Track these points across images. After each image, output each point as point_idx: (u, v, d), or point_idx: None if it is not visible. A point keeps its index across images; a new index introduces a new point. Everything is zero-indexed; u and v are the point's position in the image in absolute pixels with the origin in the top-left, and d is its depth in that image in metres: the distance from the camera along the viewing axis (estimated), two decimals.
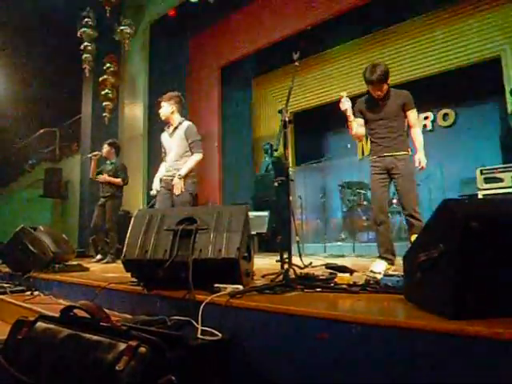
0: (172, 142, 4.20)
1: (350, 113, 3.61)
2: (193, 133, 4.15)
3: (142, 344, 1.21)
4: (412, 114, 3.58)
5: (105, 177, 5.94)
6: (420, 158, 3.51)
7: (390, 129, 3.58)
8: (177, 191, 3.99)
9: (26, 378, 1.27)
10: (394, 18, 7.59)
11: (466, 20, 7.03)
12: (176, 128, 4.19)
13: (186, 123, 4.20)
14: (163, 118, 4.24)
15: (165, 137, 4.30)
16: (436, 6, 7.21)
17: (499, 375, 1.14)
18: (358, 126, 3.69)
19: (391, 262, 3.47)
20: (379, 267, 3.29)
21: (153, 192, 4.28)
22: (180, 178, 3.99)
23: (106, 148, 6.13)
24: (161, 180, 4.21)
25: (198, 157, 4.10)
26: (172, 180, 4.06)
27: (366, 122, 3.70)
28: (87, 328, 1.36)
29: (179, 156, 4.13)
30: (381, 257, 3.55)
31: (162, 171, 4.27)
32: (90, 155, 6.16)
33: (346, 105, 3.59)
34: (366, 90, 3.74)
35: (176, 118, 4.22)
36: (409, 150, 3.58)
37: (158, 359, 1.20)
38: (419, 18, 7.52)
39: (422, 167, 3.51)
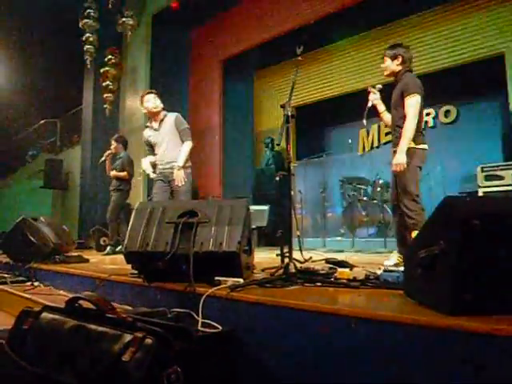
0: (161, 134, 4.18)
1: (370, 104, 3.48)
2: (182, 121, 4.20)
3: (148, 335, 1.22)
4: (406, 102, 3.18)
5: (113, 173, 6.11)
6: (396, 157, 3.15)
7: (392, 119, 3.39)
8: (179, 182, 4.00)
9: (32, 367, 1.28)
10: (398, 14, 7.55)
11: (469, 17, 7.00)
12: (162, 121, 4.20)
13: (173, 114, 4.24)
14: (153, 111, 4.20)
15: (150, 132, 4.26)
16: (440, 2, 7.17)
17: (497, 371, 1.15)
18: (389, 116, 3.51)
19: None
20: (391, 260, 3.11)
21: (152, 175, 4.20)
22: (179, 169, 4.00)
23: (113, 144, 6.29)
24: (160, 173, 4.18)
25: (189, 145, 4.13)
26: (171, 173, 4.07)
27: None
28: (93, 319, 1.37)
29: (173, 147, 4.13)
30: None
31: (147, 162, 4.20)
32: (103, 158, 6.29)
33: (371, 97, 3.49)
34: (369, 84, 3.69)
35: (162, 111, 4.23)
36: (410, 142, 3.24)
37: (163, 351, 1.22)
38: (422, 14, 7.49)
39: (394, 170, 3.19)
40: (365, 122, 3.42)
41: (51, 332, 1.40)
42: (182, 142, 4.14)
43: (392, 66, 3.36)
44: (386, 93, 3.53)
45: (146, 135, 4.30)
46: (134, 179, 6.41)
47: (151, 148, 4.28)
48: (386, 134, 7.98)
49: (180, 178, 4.00)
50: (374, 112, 3.61)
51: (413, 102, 3.16)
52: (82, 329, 1.35)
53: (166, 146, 4.16)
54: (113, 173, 6.10)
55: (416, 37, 7.60)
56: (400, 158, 3.12)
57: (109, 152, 6.27)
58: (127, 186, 6.23)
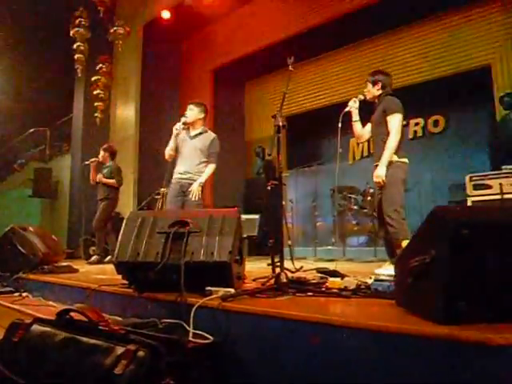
0: (192, 145, 4.33)
1: (347, 109, 3.73)
2: (216, 145, 4.40)
3: (140, 348, 1.21)
4: (389, 120, 3.49)
5: (100, 177, 6.07)
6: (377, 171, 3.43)
7: (374, 136, 3.69)
8: (194, 197, 4.18)
9: (22, 381, 1.26)
10: (387, 25, 7.65)
11: (457, 28, 7.12)
12: (199, 134, 4.36)
13: (212, 134, 4.44)
14: (189, 121, 4.34)
15: (183, 137, 4.37)
16: (428, 13, 7.28)
17: (489, 380, 1.16)
18: (359, 126, 3.80)
19: None
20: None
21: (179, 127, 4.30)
22: (200, 185, 4.21)
23: (101, 153, 6.30)
24: (177, 182, 4.31)
25: (213, 167, 4.37)
26: (188, 184, 4.24)
27: None
28: (84, 331, 1.36)
29: (198, 162, 4.31)
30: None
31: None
32: (87, 162, 6.30)
33: (350, 103, 3.73)
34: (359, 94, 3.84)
35: (200, 124, 4.41)
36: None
37: (156, 363, 1.20)
38: (412, 26, 7.60)
39: (376, 183, 3.44)
40: (340, 125, 3.67)
41: (42, 345, 1.38)
42: (209, 162, 4.34)
43: (373, 90, 3.70)
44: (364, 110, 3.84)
45: (180, 135, 4.36)
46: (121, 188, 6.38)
47: (176, 148, 4.38)
48: None
49: (196, 193, 4.18)
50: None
51: (395, 120, 3.47)
52: (73, 341, 1.34)
53: (191, 158, 4.31)
54: (99, 176, 6.06)
55: (405, 47, 7.71)
56: (380, 171, 3.39)
57: (95, 159, 6.25)
58: (116, 194, 6.21)
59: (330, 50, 8.62)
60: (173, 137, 4.30)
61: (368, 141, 4.03)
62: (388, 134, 3.46)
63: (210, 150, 4.33)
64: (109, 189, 6.09)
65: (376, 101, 3.72)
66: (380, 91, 3.68)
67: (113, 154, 6.40)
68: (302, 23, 7.64)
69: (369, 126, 3.81)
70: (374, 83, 3.68)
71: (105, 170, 6.18)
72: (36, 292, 3.64)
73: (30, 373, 1.31)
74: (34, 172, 10.86)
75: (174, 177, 4.36)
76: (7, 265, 4.26)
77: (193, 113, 4.37)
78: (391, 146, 3.41)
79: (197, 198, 4.17)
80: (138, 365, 1.19)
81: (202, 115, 4.40)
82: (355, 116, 3.78)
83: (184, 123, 4.29)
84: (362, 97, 3.77)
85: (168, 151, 4.34)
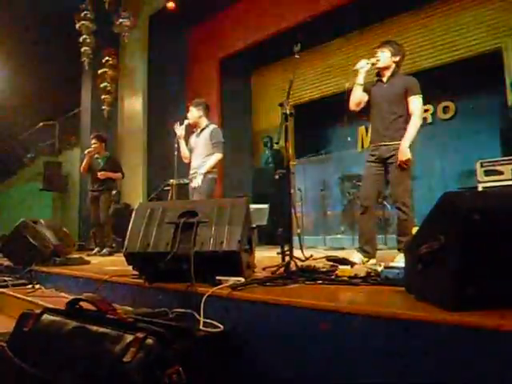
0: (198, 142, 4.56)
1: (356, 67, 3.44)
2: (217, 135, 4.54)
3: (149, 336, 1.22)
4: (413, 101, 3.29)
5: (104, 173, 5.90)
6: (401, 149, 3.21)
7: (389, 114, 3.38)
8: (194, 184, 4.39)
9: (33, 370, 1.28)
10: (395, 10, 7.53)
11: (467, 12, 6.99)
12: (203, 130, 4.57)
13: (213, 126, 4.61)
14: (191, 122, 4.58)
15: (193, 138, 4.68)
16: None
17: (500, 365, 1.15)
18: (360, 92, 3.48)
19: (368, 256, 3.42)
20: (356, 259, 3.31)
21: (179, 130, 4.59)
22: (200, 175, 4.37)
23: (96, 143, 6.03)
24: (190, 179, 4.61)
25: (218, 156, 4.50)
26: (195, 178, 4.45)
27: (369, 104, 3.53)
28: (94, 320, 1.37)
29: (203, 156, 4.49)
30: (359, 248, 3.49)
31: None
32: (86, 152, 6.09)
33: (361, 65, 3.42)
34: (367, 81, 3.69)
35: (203, 121, 4.60)
36: None
37: (165, 351, 1.21)
38: (420, 10, 7.48)
39: (401, 161, 3.21)
40: (347, 84, 3.56)
41: (52, 334, 1.40)
42: (213, 152, 4.48)
43: (389, 60, 3.42)
44: None
45: (190, 140, 4.70)
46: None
47: (190, 151, 4.66)
48: None
49: (197, 181, 4.36)
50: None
51: (420, 102, 3.31)
52: (82, 330, 1.35)
53: (196, 153, 4.55)
54: (103, 173, 5.88)
55: (413, 33, 7.59)
56: (408, 153, 3.21)
57: (91, 150, 6.00)
58: (116, 185, 6.19)
59: (337, 37, 8.53)
60: (177, 139, 4.59)
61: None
62: (405, 114, 3.31)
63: (212, 141, 4.46)
64: (108, 180, 6.00)
65: (381, 72, 3.47)
66: (394, 64, 3.42)
67: (106, 143, 6.20)
68: (309, 10, 7.55)
69: (365, 96, 3.51)
70: (396, 54, 3.41)
71: (102, 162, 5.99)
72: (48, 284, 3.69)
73: (40, 361, 1.33)
74: (44, 166, 10.95)
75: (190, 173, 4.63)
76: (20, 257, 4.32)
77: (192, 114, 4.57)
78: (416, 128, 3.26)
79: (197, 184, 4.33)
80: (146, 352, 1.19)
81: (201, 113, 4.58)
82: (360, 78, 3.46)
83: (187, 125, 4.56)
84: (374, 60, 3.44)
85: (183, 155, 4.65)
